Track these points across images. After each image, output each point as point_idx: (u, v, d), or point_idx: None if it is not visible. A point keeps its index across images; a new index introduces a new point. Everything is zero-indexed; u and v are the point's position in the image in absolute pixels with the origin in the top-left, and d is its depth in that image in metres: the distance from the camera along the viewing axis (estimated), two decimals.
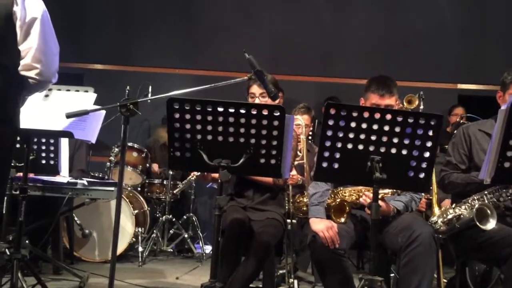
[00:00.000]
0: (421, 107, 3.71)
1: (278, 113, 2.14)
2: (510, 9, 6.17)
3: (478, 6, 6.29)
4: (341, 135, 2.12)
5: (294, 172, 3.58)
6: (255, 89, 2.91)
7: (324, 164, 2.17)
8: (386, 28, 6.26)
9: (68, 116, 2.26)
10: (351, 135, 2.12)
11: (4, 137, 2.10)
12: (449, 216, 2.46)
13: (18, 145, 2.69)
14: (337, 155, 2.15)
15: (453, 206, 2.56)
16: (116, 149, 4.74)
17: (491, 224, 2.29)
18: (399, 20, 6.29)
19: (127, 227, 4.44)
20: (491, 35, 6.18)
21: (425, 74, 6.08)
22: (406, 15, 6.32)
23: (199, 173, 3.15)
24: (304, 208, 3.30)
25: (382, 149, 2.12)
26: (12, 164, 2.70)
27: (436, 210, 2.93)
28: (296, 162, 3.58)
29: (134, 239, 4.52)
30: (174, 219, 4.95)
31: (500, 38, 6.15)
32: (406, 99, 3.61)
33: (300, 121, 3.80)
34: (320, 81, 6.31)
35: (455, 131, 3.25)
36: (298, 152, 3.60)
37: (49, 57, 2.17)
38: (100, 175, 4.77)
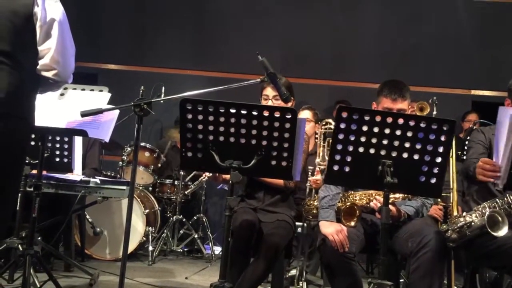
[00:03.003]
0: (434, 112, 3.69)
1: (290, 116, 2.15)
2: None
3: (493, 11, 6.25)
4: (352, 138, 2.12)
5: (319, 176, 3.56)
6: (269, 91, 2.92)
7: (335, 167, 2.17)
8: (399, 32, 6.24)
9: (83, 115, 2.29)
10: (362, 139, 2.12)
11: (19, 133, 2.14)
12: (460, 224, 2.45)
13: (33, 143, 2.74)
14: (348, 159, 2.15)
15: (463, 214, 2.54)
16: (129, 149, 4.78)
17: (503, 231, 2.27)
18: (413, 24, 6.26)
19: (138, 226, 4.48)
20: (506, 41, 6.13)
21: (438, 79, 6.05)
22: (420, 19, 6.29)
23: (210, 174, 3.16)
24: (314, 211, 3.30)
25: (394, 154, 2.12)
26: (27, 161, 2.76)
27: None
28: (322, 167, 3.55)
29: (144, 238, 4.55)
30: (184, 220, 4.97)
31: None
32: (418, 106, 3.59)
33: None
34: (333, 84, 6.30)
35: (468, 137, 3.23)
36: (326, 156, 3.56)
37: (67, 59, 2.21)
38: (113, 174, 4.82)
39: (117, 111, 2.77)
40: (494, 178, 2.19)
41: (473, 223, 2.39)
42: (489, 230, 2.27)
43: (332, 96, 6.05)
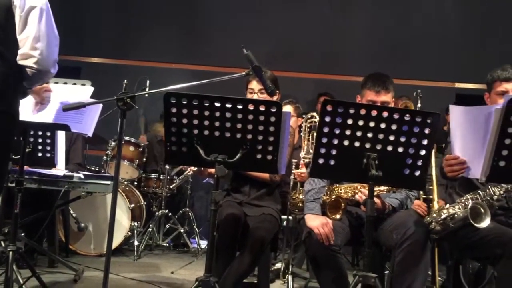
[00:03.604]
0: (419, 105, 3.71)
1: (275, 109, 2.14)
2: (509, 8, 6.18)
3: (477, 5, 6.30)
4: (337, 131, 2.13)
5: (303, 170, 3.56)
6: (254, 84, 2.91)
7: (320, 161, 2.17)
8: (385, 27, 6.27)
9: (65, 109, 2.25)
10: (347, 132, 2.12)
11: (5, 128, 2.09)
12: (443, 216, 2.47)
13: (14, 138, 2.69)
14: (334, 152, 2.15)
15: (446, 206, 2.57)
16: (113, 143, 4.74)
17: (486, 222, 2.30)
18: (398, 19, 6.30)
19: (123, 221, 4.45)
20: (490, 34, 6.19)
21: (423, 72, 6.10)
22: (405, 14, 6.33)
23: (196, 168, 3.15)
24: (300, 205, 3.31)
25: (378, 147, 2.13)
26: None
27: (436, 206, 2.93)
28: (307, 160, 3.55)
29: (130, 233, 4.53)
30: (170, 214, 4.96)
31: (498, 37, 6.16)
32: (402, 105, 3.61)
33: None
34: (320, 78, 6.32)
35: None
36: (310, 150, 3.56)
37: (48, 47, 2.14)
38: (97, 169, 4.77)
39: (100, 105, 2.74)
40: (463, 171, 2.21)
41: (456, 215, 2.42)
42: (471, 221, 2.30)
43: (317, 90, 6.08)
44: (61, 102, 2.58)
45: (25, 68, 2.13)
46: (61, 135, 3.21)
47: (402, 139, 2.12)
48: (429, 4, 6.37)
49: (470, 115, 2.18)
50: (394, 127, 2.11)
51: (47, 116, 2.65)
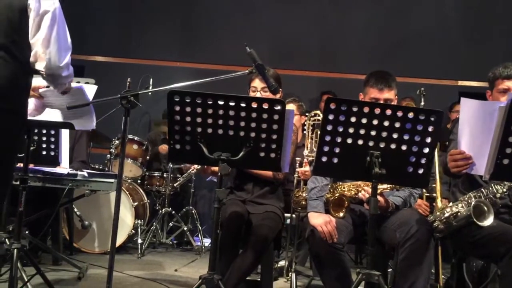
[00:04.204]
0: (422, 103, 3.71)
1: (279, 107, 2.15)
2: (511, 5, 6.16)
3: (480, 2, 6.28)
4: (341, 129, 2.13)
5: (307, 168, 3.57)
6: (257, 83, 2.91)
7: (324, 159, 2.18)
8: (387, 24, 6.26)
9: (70, 108, 2.26)
10: (351, 130, 2.12)
11: (13, 127, 2.10)
12: (446, 215, 2.47)
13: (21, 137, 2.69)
14: (337, 150, 2.16)
15: (450, 204, 2.56)
16: (117, 141, 4.75)
17: (489, 221, 2.30)
18: (400, 16, 6.29)
19: (127, 219, 4.46)
20: (492, 32, 6.17)
21: (426, 70, 6.09)
22: (407, 11, 6.31)
23: (199, 166, 3.16)
24: (303, 203, 3.31)
25: (382, 144, 2.13)
26: None
27: (439, 204, 2.93)
28: (311, 158, 3.55)
29: (133, 231, 4.54)
30: (173, 212, 4.97)
31: (501, 35, 6.14)
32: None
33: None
34: (322, 76, 6.31)
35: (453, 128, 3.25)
36: (314, 148, 3.56)
37: (58, 51, 2.15)
38: (100, 167, 4.79)
39: (91, 94, 2.70)
40: (467, 166, 2.20)
41: (459, 214, 2.42)
42: (475, 220, 2.29)
43: (319, 88, 6.08)
44: (65, 101, 2.58)
45: (38, 71, 2.15)
46: (65, 133, 3.22)
47: (406, 137, 2.12)
48: (432, 2, 6.35)
49: (482, 109, 2.16)
50: (397, 125, 2.11)
51: (50, 114, 2.66)
